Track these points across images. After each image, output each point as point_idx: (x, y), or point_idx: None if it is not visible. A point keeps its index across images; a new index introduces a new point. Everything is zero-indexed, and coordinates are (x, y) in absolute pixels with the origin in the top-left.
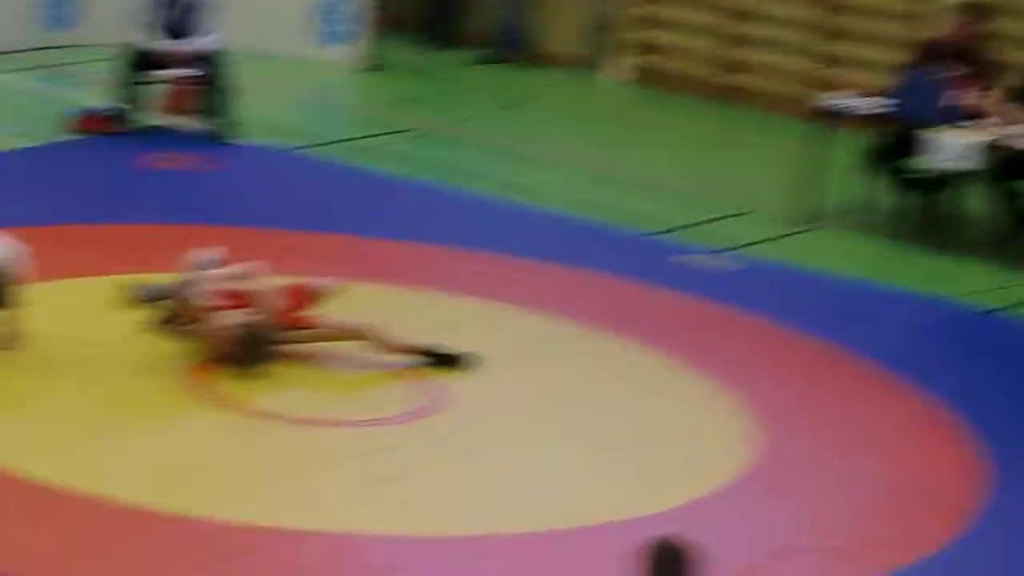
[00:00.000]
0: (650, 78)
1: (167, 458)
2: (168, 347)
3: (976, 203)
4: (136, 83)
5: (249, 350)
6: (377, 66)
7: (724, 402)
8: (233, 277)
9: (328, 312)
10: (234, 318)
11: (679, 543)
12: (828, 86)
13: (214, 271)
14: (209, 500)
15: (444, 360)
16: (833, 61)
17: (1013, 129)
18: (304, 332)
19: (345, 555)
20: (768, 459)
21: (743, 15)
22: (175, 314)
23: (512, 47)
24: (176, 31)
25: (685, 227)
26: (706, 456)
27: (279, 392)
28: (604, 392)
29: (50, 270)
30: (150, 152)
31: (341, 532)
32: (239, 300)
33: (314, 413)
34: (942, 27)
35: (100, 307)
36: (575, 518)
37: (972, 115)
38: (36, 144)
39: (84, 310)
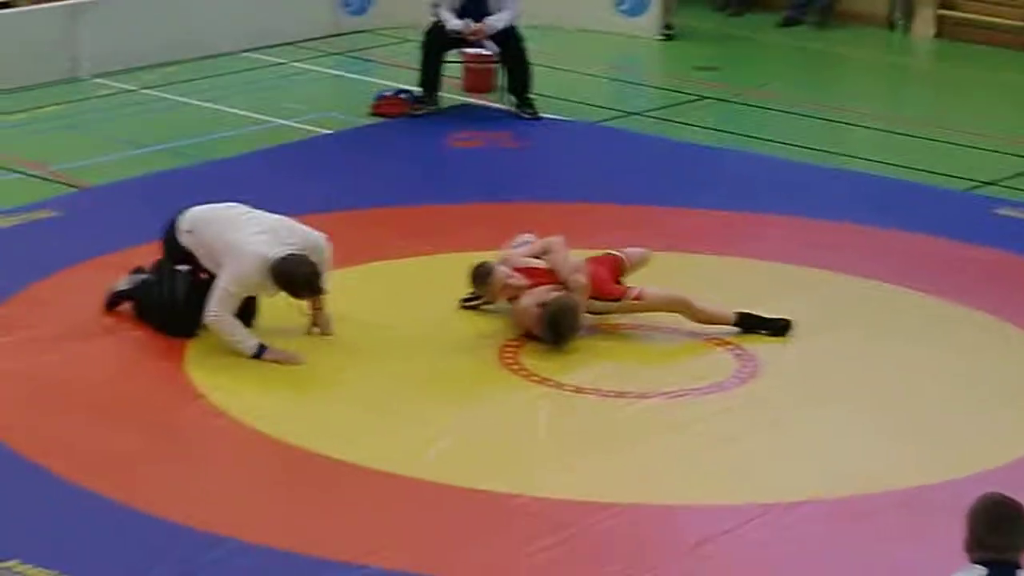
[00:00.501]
0: (952, 31)
1: (482, 436)
2: (479, 326)
3: None
4: (436, 63)
5: (552, 327)
6: (676, 34)
7: None
8: (534, 254)
9: (639, 283)
10: (536, 296)
11: (1008, 502)
12: None
13: (520, 249)
14: (528, 476)
15: (766, 326)
16: None
17: None
18: (617, 303)
19: (667, 526)
20: None
21: None
22: (480, 294)
23: (812, 8)
24: (474, 9)
25: (1001, 181)
26: None
27: (592, 366)
28: (921, 351)
29: (357, 254)
30: (452, 132)
31: (661, 504)
32: (540, 277)
33: (629, 386)
34: None
35: (407, 289)
36: (898, 479)
37: None
38: (340, 129)
39: (392, 293)
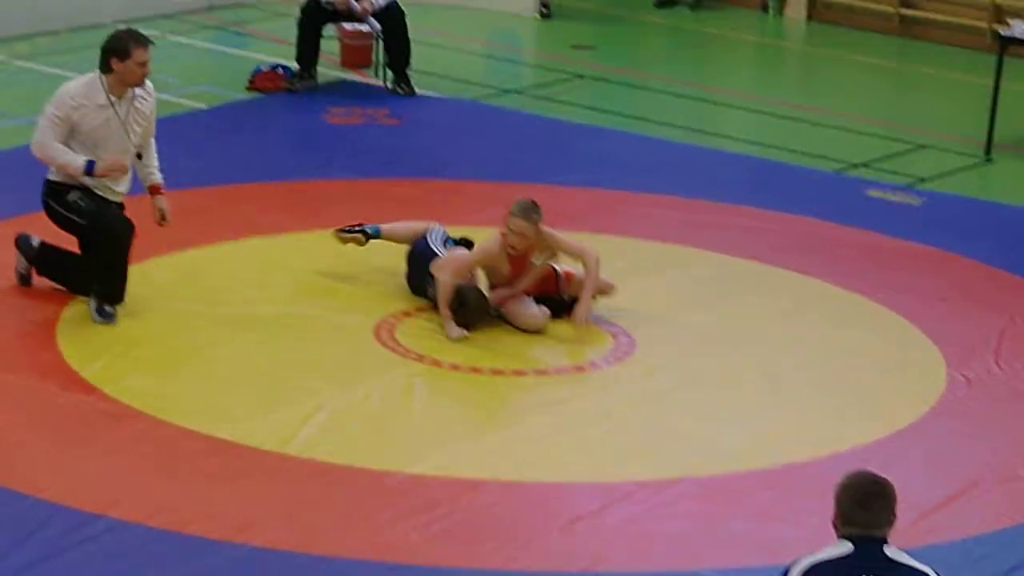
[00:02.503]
0: (824, 15)
1: (357, 414)
2: (356, 303)
3: None
4: (313, 38)
5: (461, 311)
6: (553, 13)
7: (911, 336)
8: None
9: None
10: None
11: (875, 478)
12: (1004, 16)
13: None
14: (403, 454)
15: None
16: None
17: None
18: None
19: (541, 504)
20: (956, 394)
21: None
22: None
23: None
24: None
25: (867, 163)
26: (895, 391)
27: (469, 343)
28: (793, 329)
29: (233, 229)
30: (329, 108)
31: (535, 481)
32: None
33: (505, 363)
34: None
35: (283, 265)
36: (771, 457)
37: None
38: (216, 103)
39: (267, 268)
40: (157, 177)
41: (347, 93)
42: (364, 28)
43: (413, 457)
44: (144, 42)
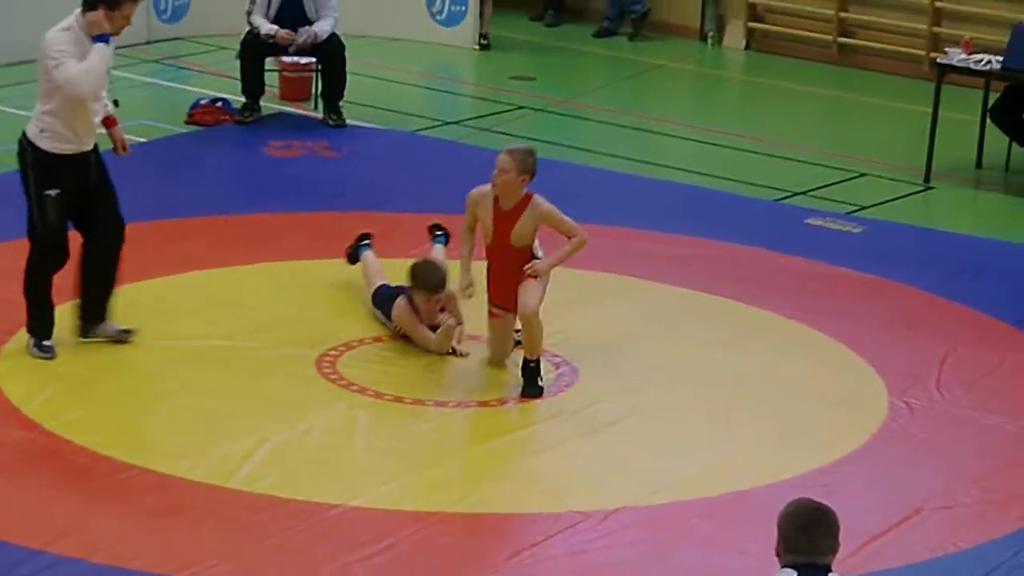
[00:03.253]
0: (762, 44)
1: (300, 447)
2: (297, 335)
3: None
4: (256, 70)
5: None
6: (492, 44)
7: (853, 364)
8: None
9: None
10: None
11: (816, 506)
12: (941, 44)
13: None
14: (346, 486)
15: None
16: (946, 18)
17: None
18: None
19: (485, 535)
20: (898, 421)
21: None
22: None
23: (626, 19)
24: (291, 16)
25: (807, 191)
26: (837, 419)
27: (412, 375)
28: (735, 358)
29: (173, 264)
30: (269, 140)
31: (479, 513)
32: None
33: (448, 395)
34: None
35: (223, 299)
36: (713, 486)
37: None
38: (155, 137)
39: (207, 303)
40: (111, 109)
41: (286, 126)
42: (303, 60)
43: (356, 490)
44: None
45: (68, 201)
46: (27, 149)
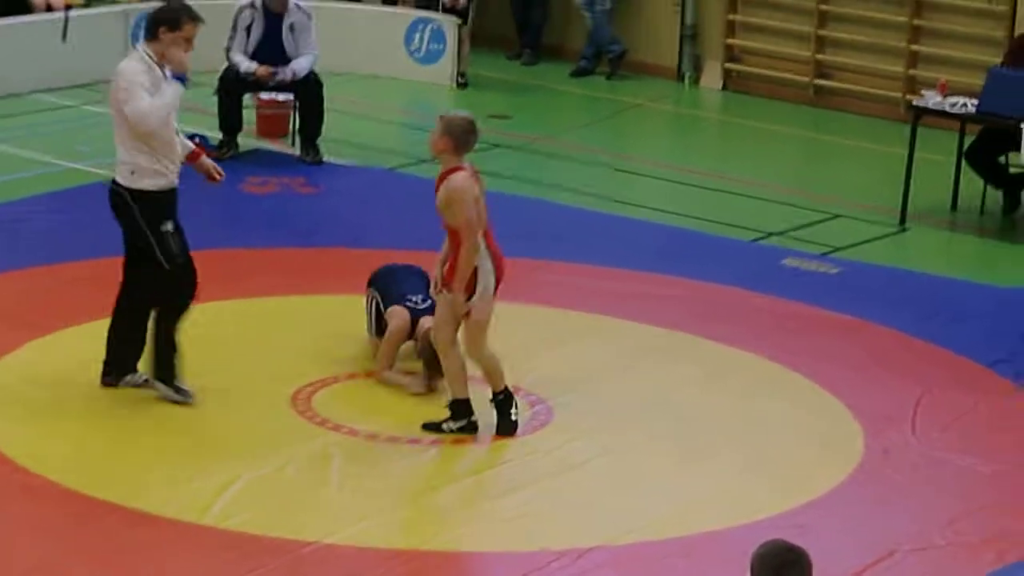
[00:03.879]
0: (740, 84)
1: (274, 484)
2: (271, 371)
3: None
4: (234, 107)
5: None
6: (470, 82)
7: (828, 405)
8: None
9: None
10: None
11: (790, 547)
12: (917, 86)
13: None
14: (319, 524)
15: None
16: (921, 61)
17: None
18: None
19: (457, 574)
20: (873, 462)
21: (830, 18)
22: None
23: (603, 59)
24: (270, 54)
25: (783, 232)
26: (812, 460)
27: (385, 413)
28: (709, 398)
29: None
30: (246, 177)
31: (452, 551)
32: None
33: (422, 432)
34: None
35: (198, 334)
36: (686, 526)
37: None
38: None
39: (186, 337)
40: (189, 143)
41: (263, 162)
42: (280, 97)
43: (329, 527)
44: (197, 20)
45: (182, 232)
46: (124, 196)
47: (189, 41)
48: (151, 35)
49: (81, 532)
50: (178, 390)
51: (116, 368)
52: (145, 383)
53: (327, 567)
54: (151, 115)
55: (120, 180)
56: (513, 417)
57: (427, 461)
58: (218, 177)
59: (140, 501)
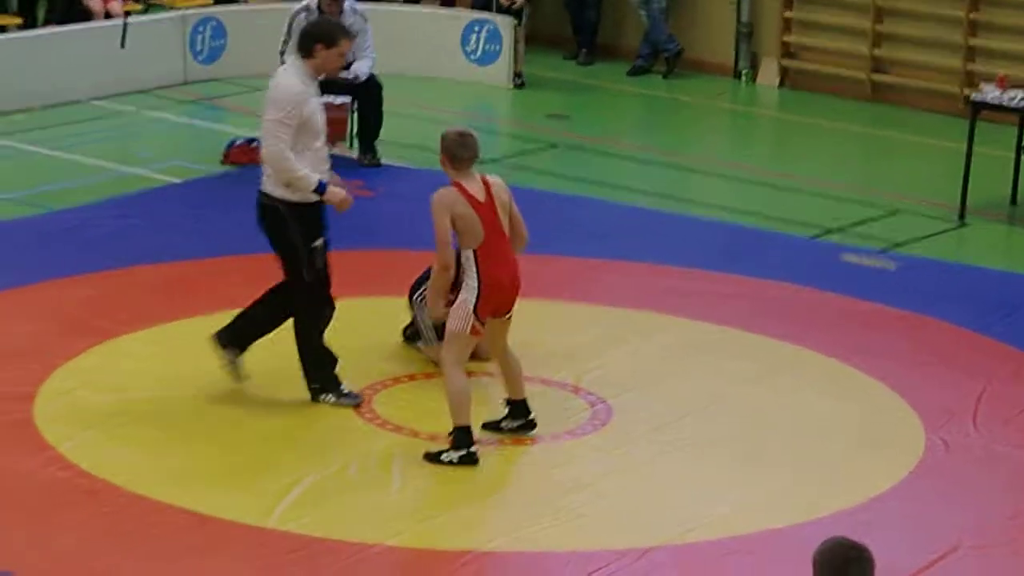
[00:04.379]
0: (796, 81)
1: (337, 487)
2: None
3: None
4: None
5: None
6: (527, 82)
7: (891, 401)
8: None
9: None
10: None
11: (853, 545)
12: (975, 81)
13: None
14: (383, 525)
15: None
16: (979, 55)
17: None
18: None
19: (521, 574)
20: (935, 458)
21: (886, 13)
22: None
23: (660, 58)
24: None
25: (842, 228)
26: (873, 457)
27: (446, 414)
28: (769, 395)
29: (210, 303)
30: None
31: (516, 551)
32: None
33: (480, 434)
34: None
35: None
36: (748, 524)
37: None
38: (191, 177)
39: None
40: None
41: None
42: (338, 101)
43: (392, 529)
44: (350, 36)
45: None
46: (278, 207)
47: (342, 56)
48: (307, 52)
49: (145, 535)
50: (345, 395)
51: (232, 338)
52: (233, 367)
53: (389, 569)
54: (276, 161)
55: (271, 192)
56: (530, 418)
57: (488, 461)
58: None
59: (203, 504)
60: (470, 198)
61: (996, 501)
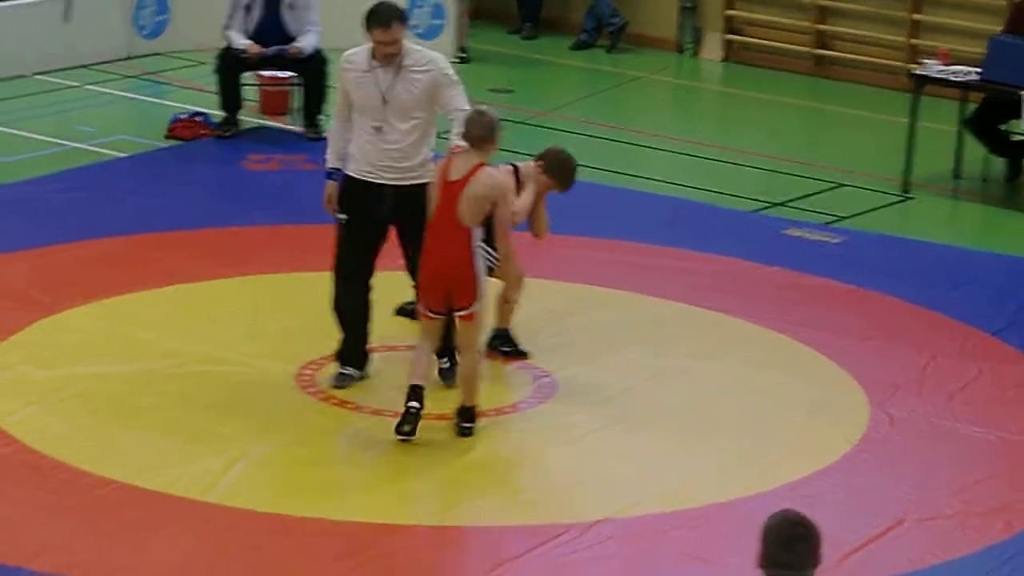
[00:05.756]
0: (740, 55)
1: (281, 460)
2: (277, 349)
3: None
4: (233, 85)
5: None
6: (471, 57)
7: (835, 375)
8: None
9: None
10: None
11: (799, 519)
12: (919, 55)
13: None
14: (326, 499)
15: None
16: (923, 30)
17: None
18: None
19: (464, 548)
20: (880, 431)
21: None
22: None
23: (603, 32)
24: (272, 32)
25: (786, 202)
26: (818, 430)
27: (390, 388)
28: (714, 369)
29: (154, 277)
30: (248, 155)
31: (458, 525)
32: None
33: (426, 408)
34: None
35: (204, 312)
36: (693, 498)
37: None
38: (135, 152)
39: (189, 316)
40: (453, 143)
41: (265, 140)
42: (282, 74)
43: (333, 504)
44: (378, 23)
45: None
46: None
47: (382, 44)
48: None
49: (87, 511)
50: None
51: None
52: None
53: (334, 542)
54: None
55: (425, 178)
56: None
57: (431, 436)
58: None
59: (146, 479)
60: (442, 174)
61: (941, 475)
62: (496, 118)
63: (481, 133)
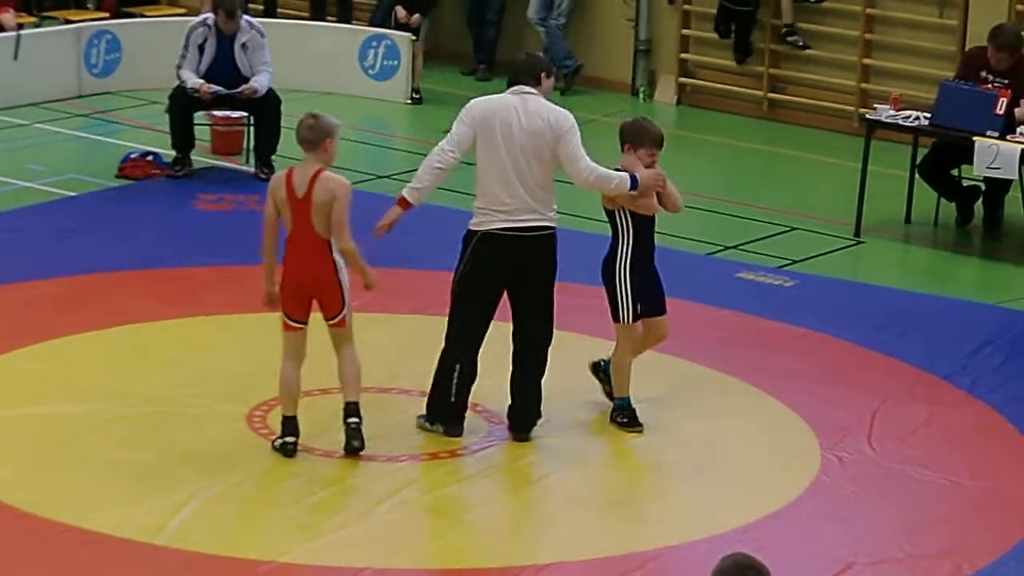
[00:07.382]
0: (693, 99)
1: (229, 503)
2: (231, 389)
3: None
4: (185, 124)
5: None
6: (424, 98)
7: (784, 418)
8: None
9: None
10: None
11: (750, 563)
12: (870, 100)
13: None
14: (274, 543)
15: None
16: (874, 75)
17: None
18: None
19: None
20: (830, 475)
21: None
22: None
23: (559, 74)
24: (225, 73)
25: (738, 245)
26: (769, 474)
27: (338, 430)
28: (666, 413)
29: (102, 318)
30: (199, 194)
31: (406, 568)
32: None
33: (378, 449)
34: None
35: (153, 352)
36: (644, 541)
37: (1015, 124)
38: (85, 191)
39: (137, 356)
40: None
41: (217, 180)
42: (234, 114)
43: (284, 546)
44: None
45: None
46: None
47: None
48: (536, 80)
49: (34, 554)
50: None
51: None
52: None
53: None
54: (593, 176)
55: (552, 224)
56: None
57: (384, 478)
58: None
59: (93, 522)
60: (288, 189)
61: (891, 519)
62: (332, 123)
63: (302, 136)
